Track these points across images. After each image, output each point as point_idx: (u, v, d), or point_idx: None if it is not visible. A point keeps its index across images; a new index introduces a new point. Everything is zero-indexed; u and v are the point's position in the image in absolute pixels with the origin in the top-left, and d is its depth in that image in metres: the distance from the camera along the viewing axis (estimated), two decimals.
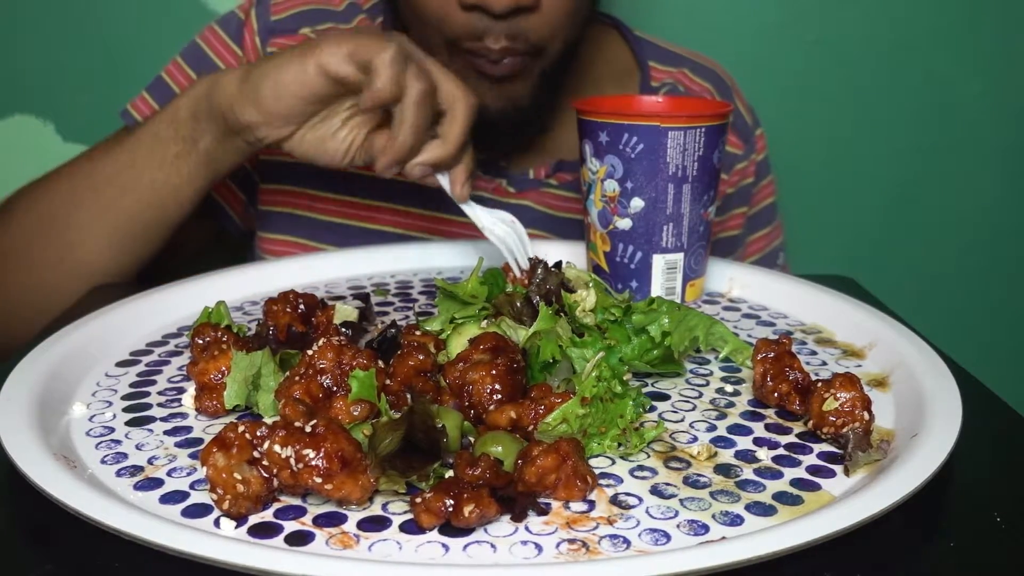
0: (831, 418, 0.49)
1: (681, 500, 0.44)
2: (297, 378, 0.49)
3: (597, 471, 0.46)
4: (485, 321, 0.56)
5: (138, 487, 0.44)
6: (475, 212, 0.71)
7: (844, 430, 0.48)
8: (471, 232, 0.88)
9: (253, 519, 0.42)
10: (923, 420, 0.49)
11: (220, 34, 0.92)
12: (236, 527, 0.41)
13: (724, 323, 0.61)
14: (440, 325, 0.58)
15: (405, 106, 0.66)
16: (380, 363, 0.51)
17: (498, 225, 0.71)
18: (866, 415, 0.49)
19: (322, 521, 0.42)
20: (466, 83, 0.70)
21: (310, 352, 0.50)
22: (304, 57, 0.67)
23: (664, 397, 0.55)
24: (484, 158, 0.90)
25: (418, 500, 0.41)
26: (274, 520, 0.42)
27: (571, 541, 0.40)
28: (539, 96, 0.84)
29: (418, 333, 0.56)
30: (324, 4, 0.93)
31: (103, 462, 0.47)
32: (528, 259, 0.69)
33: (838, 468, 0.47)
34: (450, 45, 0.80)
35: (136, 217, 0.77)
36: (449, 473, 0.44)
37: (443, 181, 0.71)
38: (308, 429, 0.42)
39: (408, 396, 0.45)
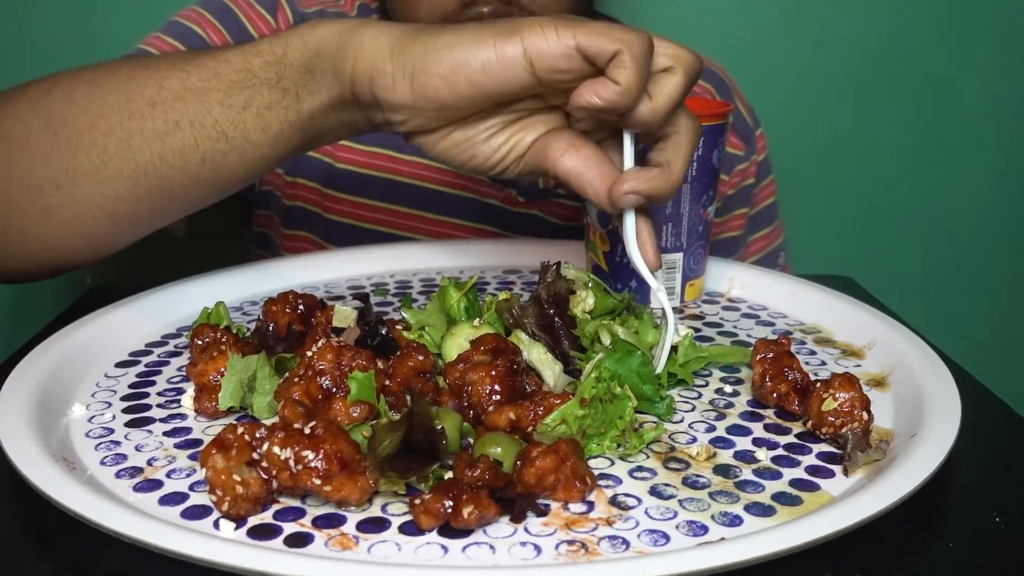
0: (830, 418, 0.49)
1: (680, 501, 0.44)
2: (296, 379, 0.49)
3: (596, 472, 0.46)
4: (477, 320, 0.56)
5: (137, 488, 0.44)
6: (653, 279, 0.55)
7: (843, 430, 0.48)
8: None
9: (252, 521, 0.42)
10: (922, 420, 0.49)
11: (251, 0, 0.89)
12: (235, 528, 0.41)
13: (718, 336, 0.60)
14: (429, 319, 0.58)
15: (680, 129, 0.52)
16: (379, 364, 0.51)
17: (665, 297, 0.56)
18: (865, 415, 0.49)
19: (321, 522, 0.42)
20: None
21: (309, 353, 0.50)
22: (508, 38, 0.50)
23: None
24: None
25: (417, 501, 0.41)
26: (273, 522, 0.42)
27: (570, 542, 0.40)
28: None
29: (399, 327, 0.56)
30: (335, 7, 0.93)
31: (102, 463, 0.47)
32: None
33: (837, 468, 0.47)
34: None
35: (182, 165, 0.58)
36: (448, 474, 0.44)
37: (630, 228, 0.54)
38: (307, 431, 0.42)
39: (408, 398, 0.45)
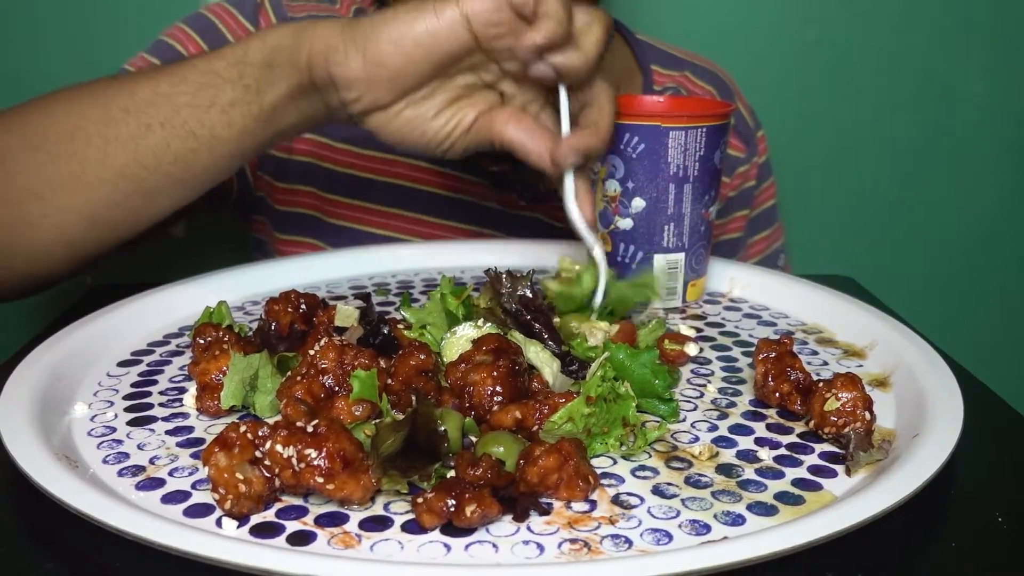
0: (832, 418, 0.49)
1: (683, 500, 0.44)
2: (299, 378, 0.49)
3: (599, 471, 0.46)
4: (481, 320, 0.56)
5: (140, 487, 0.44)
6: (588, 232, 0.63)
7: (845, 430, 0.48)
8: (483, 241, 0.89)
9: (255, 519, 0.42)
10: (924, 420, 0.49)
11: (232, 12, 0.89)
12: (238, 527, 0.41)
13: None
14: (429, 318, 0.59)
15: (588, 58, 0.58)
16: (381, 363, 0.51)
17: (599, 250, 0.63)
18: (867, 415, 0.49)
19: (324, 521, 0.42)
20: None
21: (312, 352, 0.50)
22: (442, 5, 0.56)
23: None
24: (496, 170, 0.90)
25: (420, 500, 0.41)
26: (276, 520, 0.42)
27: (573, 541, 0.40)
28: None
29: (400, 327, 0.57)
30: (330, 11, 0.93)
31: (105, 462, 0.47)
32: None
33: (839, 468, 0.47)
34: None
35: (155, 165, 0.62)
36: (451, 473, 0.44)
37: (569, 187, 0.62)
38: (310, 429, 0.42)
39: (413, 398, 0.45)
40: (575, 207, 0.62)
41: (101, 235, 0.66)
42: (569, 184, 0.62)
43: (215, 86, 0.61)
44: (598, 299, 0.63)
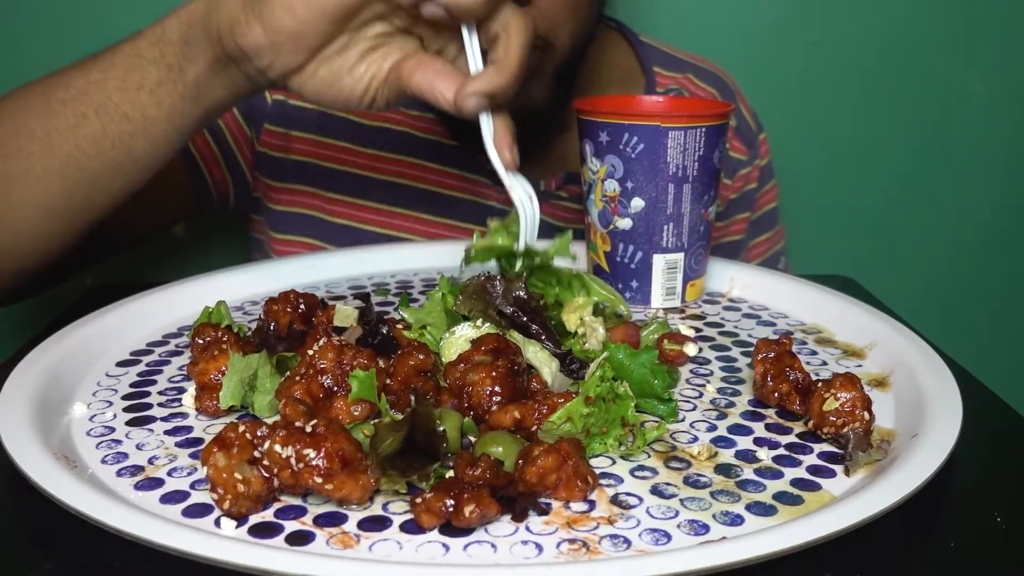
0: (831, 418, 0.49)
1: (681, 500, 0.44)
2: (298, 378, 0.49)
3: (597, 471, 0.46)
4: (480, 320, 0.56)
5: (139, 487, 0.44)
6: (507, 177, 0.62)
7: (844, 430, 0.48)
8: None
9: (253, 519, 0.42)
10: (923, 420, 0.49)
11: None
12: (237, 527, 0.41)
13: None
14: (428, 317, 0.59)
15: None
16: (380, 363, 0.51)
17: (520, 192, 0.62)
18: (866, 415, 0.49)
19: (323, 521, 0.42)
20: None
21: (311, 352, 0.50)
22: None
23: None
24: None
25: (418, 500, 0.41)
26: (275, 520, 0.42)
27: (571, 541, 0.40)
28: (553, 96, 0.83)
29: (399, 327, 0.57)
30: None
31: (104, 462, 0.47)
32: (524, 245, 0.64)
33: (838, 468, 0.47)
34: None
35: (96, 152, 0.64)
36: (449, 473, 0.44)
37: (486, 131, 0.60)
38: (308, 429, 0.42)
39: (412, 398, 0.45)
40: (494, 151, 0.60)
41: (60, 226, 0.68)
42: (486, 128, 0.60)
43: (141, 68, 0.62)
44: (521, 243, 0.62)
